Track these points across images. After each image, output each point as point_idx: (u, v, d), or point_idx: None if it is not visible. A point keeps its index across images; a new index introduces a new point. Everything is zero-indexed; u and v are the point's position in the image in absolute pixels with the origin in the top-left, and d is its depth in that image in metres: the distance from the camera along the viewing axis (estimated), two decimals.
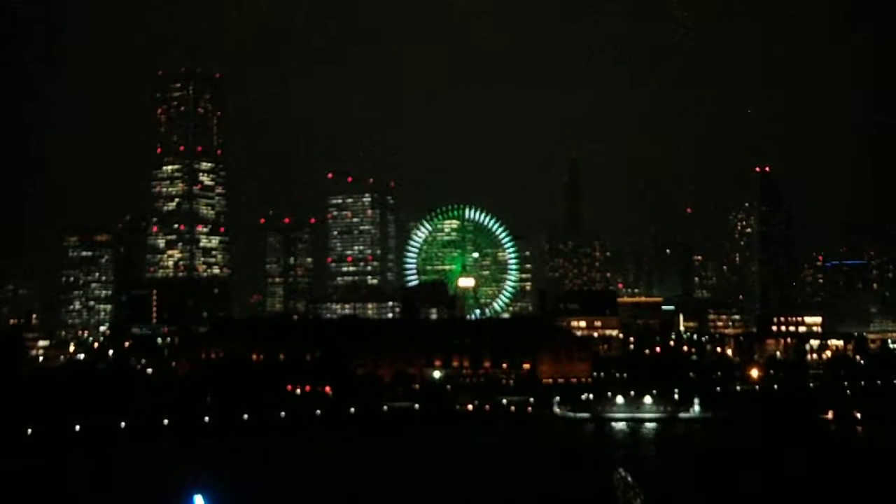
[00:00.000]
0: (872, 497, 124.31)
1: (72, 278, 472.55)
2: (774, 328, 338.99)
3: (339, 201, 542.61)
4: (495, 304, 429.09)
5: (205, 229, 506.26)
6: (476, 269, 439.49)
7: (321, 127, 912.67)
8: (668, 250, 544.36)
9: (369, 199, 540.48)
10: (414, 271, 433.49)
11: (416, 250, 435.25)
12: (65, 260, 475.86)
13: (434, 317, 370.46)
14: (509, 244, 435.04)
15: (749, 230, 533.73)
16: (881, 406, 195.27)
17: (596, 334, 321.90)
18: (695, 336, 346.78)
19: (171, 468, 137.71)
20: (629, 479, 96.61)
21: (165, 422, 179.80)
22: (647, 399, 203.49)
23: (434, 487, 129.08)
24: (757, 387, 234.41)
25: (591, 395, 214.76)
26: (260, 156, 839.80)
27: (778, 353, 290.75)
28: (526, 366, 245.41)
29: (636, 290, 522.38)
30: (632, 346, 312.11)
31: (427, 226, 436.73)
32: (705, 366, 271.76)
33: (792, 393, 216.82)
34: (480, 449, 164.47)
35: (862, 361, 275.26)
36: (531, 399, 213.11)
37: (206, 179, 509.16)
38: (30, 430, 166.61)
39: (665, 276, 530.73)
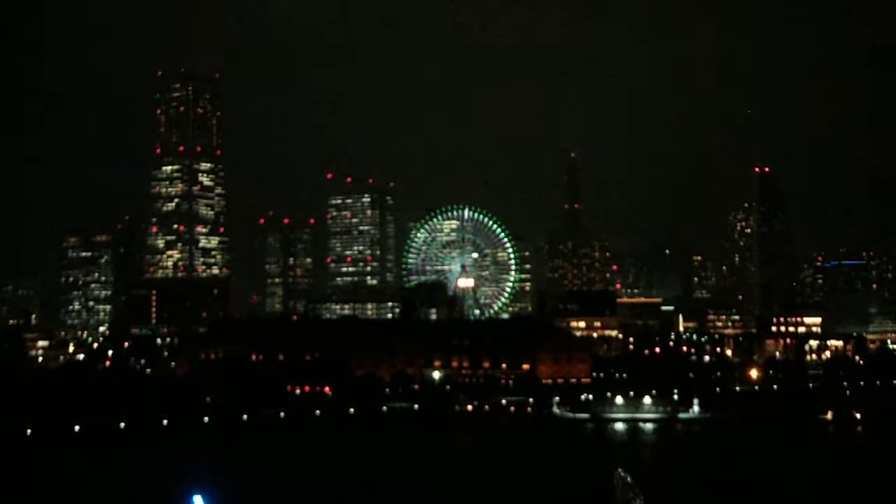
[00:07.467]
0: (872, 497, 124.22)
1: (72, 278, 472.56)
2: (774, 328, 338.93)
3: (339, 201, 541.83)
4: (495, 305, 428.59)
5: (204, 229, 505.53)
6: (476, 269, 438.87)
7: (321, 127, 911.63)
8: (667, 250, 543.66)
9: (369, 199, 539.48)
10: (413, 271, 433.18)
11: (415, 250, 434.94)
12: (65, 260, 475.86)
13: (434, 317, 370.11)
14: (509, 244, 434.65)
15: (749, 230, 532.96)
16: (881, 406, 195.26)
17: (595, 335, 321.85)
18: (694, 336, 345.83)
19: (170, 468, 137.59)
20: (629, 479, 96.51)
21: (165, 422, 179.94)
22: (647, 399, 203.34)
23: (434, 487, 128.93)
24: (757, 387, 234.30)
25: (590, 396, 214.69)
26: (260, 156, 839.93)
27: (777, 353, 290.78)
28: (525, 366, 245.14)
29: (636, 291, 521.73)
30: (631, 347, 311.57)
31: (426, 226, 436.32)
32: (705, 366, 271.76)
33: (791, 393, 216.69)
34: (480, 449, 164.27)
35: (861, 361, 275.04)
36: (531, 399, 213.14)
37: (205, 179, 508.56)
38: (30, 430, 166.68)
39: (665, 276, 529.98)
